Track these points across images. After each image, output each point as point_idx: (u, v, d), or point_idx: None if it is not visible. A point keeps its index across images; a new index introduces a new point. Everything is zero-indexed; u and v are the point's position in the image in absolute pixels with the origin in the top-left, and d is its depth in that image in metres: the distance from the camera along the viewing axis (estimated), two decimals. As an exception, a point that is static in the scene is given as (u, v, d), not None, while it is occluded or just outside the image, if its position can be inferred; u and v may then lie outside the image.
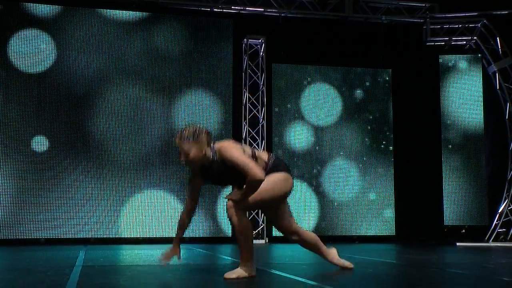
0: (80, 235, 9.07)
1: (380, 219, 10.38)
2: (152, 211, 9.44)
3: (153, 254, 6.77)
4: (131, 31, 9.60)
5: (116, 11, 9.58)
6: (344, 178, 10.32)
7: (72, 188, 9.12)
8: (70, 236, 9.04)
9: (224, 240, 9.57)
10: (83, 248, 7.64)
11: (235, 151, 3.75)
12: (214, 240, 9.55)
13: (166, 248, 4.12)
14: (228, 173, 3.81)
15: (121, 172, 9.34)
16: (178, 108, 9.67)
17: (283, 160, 4.12)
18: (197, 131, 3.78)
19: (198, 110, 9.74)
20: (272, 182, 3.86)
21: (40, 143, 9.03)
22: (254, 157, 3.86)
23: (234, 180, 3.88)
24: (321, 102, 10.40)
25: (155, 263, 5.52)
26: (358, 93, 10.59)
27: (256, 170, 3.68)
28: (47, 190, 9.02)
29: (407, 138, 10.61)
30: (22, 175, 8.94)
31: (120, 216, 9.28)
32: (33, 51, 9.15)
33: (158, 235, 9.39)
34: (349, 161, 10.38)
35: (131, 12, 9.62)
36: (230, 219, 3.78)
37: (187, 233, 9.22)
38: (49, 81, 9.20)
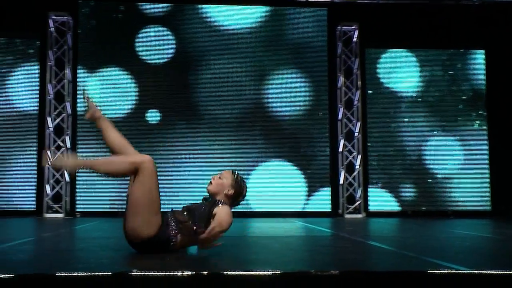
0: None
1: (476, 195, 10.02)
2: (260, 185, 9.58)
3: (261, 227, 6.95)
4: (232, 21, 9.82)
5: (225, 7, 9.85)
6: (441, 154, 10.05)
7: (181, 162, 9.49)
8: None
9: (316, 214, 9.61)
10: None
11: (225, 219, 3.43)
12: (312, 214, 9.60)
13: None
14: (202, 216, 3.55)
15: (232, 146, 9.59)
16: (277, 90, 9.79)
17: None
18: (241, 188, 3.67)
19: (294, 92, 9.81)
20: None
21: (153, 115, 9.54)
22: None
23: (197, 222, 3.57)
24: (413, 82, 10.16)
25: (264, 234, 5.67)
26: (451, 74, 10.22)
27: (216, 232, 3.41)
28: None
29: (501, 117, 10.12)
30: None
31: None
32: (155, 44, 9.67)
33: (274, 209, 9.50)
34: (444, 137, 10.08)
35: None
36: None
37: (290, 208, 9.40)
38: (167, 69, 9.63)
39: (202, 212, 3.56)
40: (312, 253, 3.90)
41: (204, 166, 9.48)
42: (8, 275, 2.40)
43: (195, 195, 9.59)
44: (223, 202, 3.58)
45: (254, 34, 9.86)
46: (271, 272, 2.51)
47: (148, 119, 9.54)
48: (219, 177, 3.68)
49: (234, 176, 3.69)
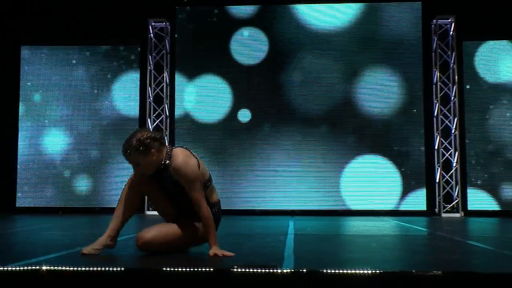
0: (287, 207, 9.45)
1: None
2: (354, 182, 9.46)
3: (356, 225, 6.86)
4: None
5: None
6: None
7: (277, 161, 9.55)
8: (279, 207, 9.46)
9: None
10: (291, 218, 7.97)
11: (191, 170, 3.20)
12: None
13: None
14: (174, 193, 3.33)
15: (322, 143, 9.54)
16: (369, 87, 9.60)
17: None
18: (144, 142, 3.15)
19: (387, 89, 9.57)
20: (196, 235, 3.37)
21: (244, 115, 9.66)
22: (209, 182, 3.41)
23: (175, 201, 3.37)
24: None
25: (359, 233, 5.60)
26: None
27: (207, 211, 3.23)
28: (253, 163, 9.56)
29: None
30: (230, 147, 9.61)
31: (326, 187, 9.48)
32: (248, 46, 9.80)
33: (367, 208, 9.33)
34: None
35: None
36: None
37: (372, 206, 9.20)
38: (260, 69, 9.73)
39: (174, 190, 3.30)
40: (410, 253, 3.79)
41: (297, 164, 9.49)
42: (118, 269, 2.53)
43: (289, 192, 9.65)
44: (168, 160, 3.22)
45: (345, 32, 9.72)
46: (370, 271, 2.46)
47: (240, 119, 9.67)
48: (136, 165, 3.22)
49: (130, 152, 3.16)
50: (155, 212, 9.45)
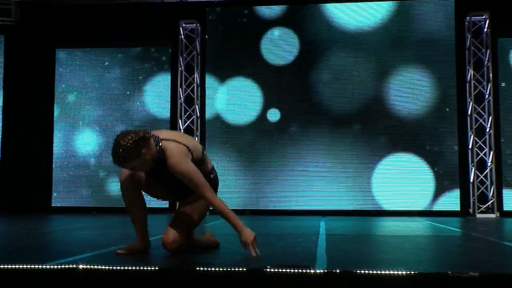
0: (317, 207, 9.40)
1: None
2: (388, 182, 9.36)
3: (388, 225, 6.79)
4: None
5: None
6: None
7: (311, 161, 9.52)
8: (309, 208, 9.42)
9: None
10: (322, 218, 7.94)
11: (186, 166, 3.15)
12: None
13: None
14: (175, 181, 3.28)
15: (351, 143, 9.48)
16: (400, 86, 9.49)
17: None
18: (131, 147, 3.04)
19: (419, 87, 9.43)
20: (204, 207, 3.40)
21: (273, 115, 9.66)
22: (202, 158, 3.37)
23: (178, 188, 3.35)
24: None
25: (391, 233, 5.54)
26: None
27: (209, 193, 3.20)
28: (286, 162, 9.54)
29: None
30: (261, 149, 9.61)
31: (358, 187, 9.41)
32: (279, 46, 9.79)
33: (400, 208, 9.23)
34: None
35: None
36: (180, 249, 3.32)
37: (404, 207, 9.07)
38: (291, 69, 9.70)
39: (173, 181, 3.26)
40: (444, 254, 3.74)
41: (327, 164, 9.44)
42: (152, 268, 2.55)
43: (319, 192, 9.60)
44: (157, 155, 3.14)
45: (376, 30, 9.62)
46: (405, 272, 2.43)
47: (270, 119, 9.66)
48: (133, 169, 3.19)
49: (122, 157, 3.06)
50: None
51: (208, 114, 9.83)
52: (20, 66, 10.18)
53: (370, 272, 2.44)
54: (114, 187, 9.85)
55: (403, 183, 9.27)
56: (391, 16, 9.63)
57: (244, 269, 2.54)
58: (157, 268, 2.54)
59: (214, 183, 3.44)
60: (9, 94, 10.19)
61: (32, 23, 10.22)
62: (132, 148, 3.03)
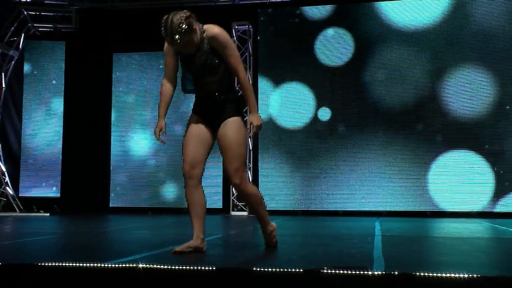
0: (371, 208, 9.27)
1: None
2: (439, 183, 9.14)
3: (445, 226, 6.62)
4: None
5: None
6: None
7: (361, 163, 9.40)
8: (363, 208, 9.30)
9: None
10: (376, 219, 7.81)
11: (228, 37, 3.43)
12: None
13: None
14: (212, 66, 3.41)
15: (406, 142, 9.29)
16: (458, 83, 9.22)
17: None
18: (186, 22, 3.25)
19: (477, 85, 9.13)
20: (244, 135, 3.76)
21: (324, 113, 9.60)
22: None
23: (214, 75, 3.45)
24: None
25: (449, 235, 5.40)
26: None
27: (242, 65, 3.48)
28: (337, 163, 9.45)
29: None
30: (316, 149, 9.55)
31: (411, 188, 9.21)
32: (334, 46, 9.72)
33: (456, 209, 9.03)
34: None
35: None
36: (245, 193, 3.53)
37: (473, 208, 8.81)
38: (342, 69, 9.62)
39: (203, 62, 3.41)
40: (507, 257, 3.60)
41: (382, 162, 9.30)
42: (210, 268, 2.58)
43: (373, 192, 9.45)
44: (202, 37, 3.38)
45: (432, 27, 9.38)
46: (467, 275, 2.36)
47: (322, 119, 9.60)
48: (185, 46, 3.35)
49: (180, 32, 3.24)
50: (240, 212, 9.60)
51: (261, 116, 9.82)
52: (79, 71, 10.52)
53: (430, 274, 2.38)
54: (169, 188, 10.02)
55: (461, 183, 9.01)
56: (448, 13, 9.37)
57: (301, 270, 2.53)
58: (214, 268, 2.57)
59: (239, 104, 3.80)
60: (70, 98, 10.55)
61: (91, 29, 10.53)
62: (187, 23, 3.24)
